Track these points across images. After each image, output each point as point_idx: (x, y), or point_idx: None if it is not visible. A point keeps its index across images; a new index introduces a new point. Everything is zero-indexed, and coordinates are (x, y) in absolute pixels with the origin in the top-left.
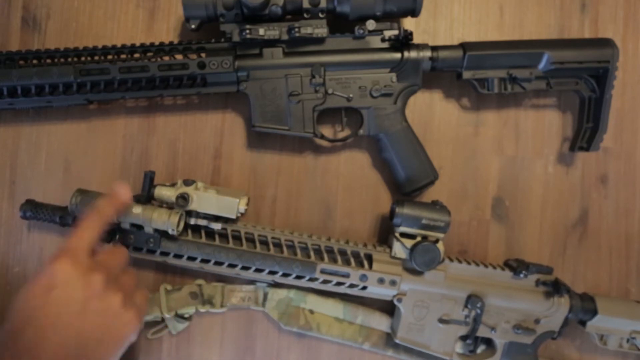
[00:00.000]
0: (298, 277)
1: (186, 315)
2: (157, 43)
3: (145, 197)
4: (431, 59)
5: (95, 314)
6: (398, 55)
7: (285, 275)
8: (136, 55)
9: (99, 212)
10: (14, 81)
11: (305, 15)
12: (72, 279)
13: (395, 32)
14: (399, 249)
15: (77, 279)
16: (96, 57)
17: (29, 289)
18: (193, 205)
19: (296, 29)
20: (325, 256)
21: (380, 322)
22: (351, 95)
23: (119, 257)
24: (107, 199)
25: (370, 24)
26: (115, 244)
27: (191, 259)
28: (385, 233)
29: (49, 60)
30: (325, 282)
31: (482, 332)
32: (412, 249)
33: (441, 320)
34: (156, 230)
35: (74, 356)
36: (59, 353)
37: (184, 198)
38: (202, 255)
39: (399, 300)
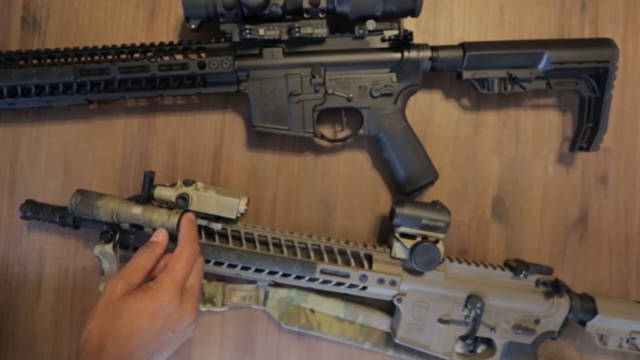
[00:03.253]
0: (298, 277)
1: None
2: (157, 43)
3: (145, 197)
4: (431, 59)
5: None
6: (398, 55)
7: (285, 275)
8: (136, 55)
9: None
10: (14, 81)
11: (305, 15)
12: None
13: (395, 32)
14: (399, 249)
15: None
16: (96, 57)
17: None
18: (193, 206)
19: (296, 29)
20: (325, 256)
21: (381, 321)
22: (351, 95)
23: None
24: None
25: (370, 24)
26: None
27: None
28: (385, 233)
29: (49, 60)
30: (325, 282)
31: (482, 332)
32: (412, 249)
33: (441, 321)
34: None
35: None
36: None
37: (183, 198)
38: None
39: (399, 300)
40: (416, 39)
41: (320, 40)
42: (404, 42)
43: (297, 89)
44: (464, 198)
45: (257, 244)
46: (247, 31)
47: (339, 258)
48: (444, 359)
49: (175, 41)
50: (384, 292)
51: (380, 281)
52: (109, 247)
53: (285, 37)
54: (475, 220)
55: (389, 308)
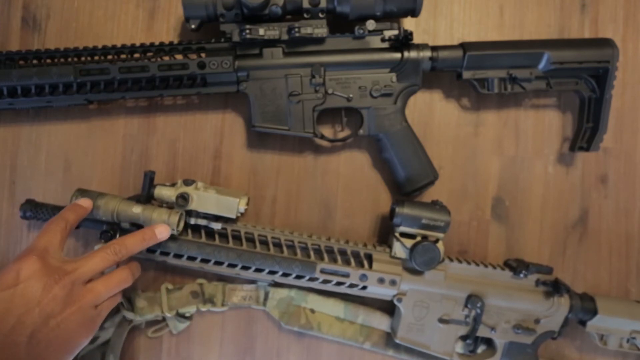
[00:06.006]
0: (298, 277)
1: (187, 315)
2: (157, 43)
3: (145, 197)
4: (431, 59)
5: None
6: (398, 55)
7: (285, 275)
8: (136, 55)
9: (62, 217)
10: (14, 81)
11: (305, 15)
12: (36, 276)
13: (395, 32)
14: (399, 248)
15: (41, 278)
16: (96, 57)
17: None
18: (193, 205)
19: (296, 29)
20: (325, 256)
21: (381, 321)
22: (351, 95)
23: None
24: (70, 206)
25: (370, 24)
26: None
27: (191, 258)
28: (385, 233)
29: (49, 60)
30: (325, 282)
31: (482, 332)
32: (412, 249)
33: (441, 320)
34: None
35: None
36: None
37: (184, 198)
38: (202, 255)
39: (399, 300)
40: (416, 39)
41: (320, 40)
42: (404, 42)
43: (297, 89)
44: (464, 198)
45: (257, 243)
46: (247, 31)
47: (339, 258)
48: (444, 359)
49: (175, 41)
50: (384, 292)
51: (381, 281)
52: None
53: (285, 37)
54: (475, 220)
55: (389, 308)
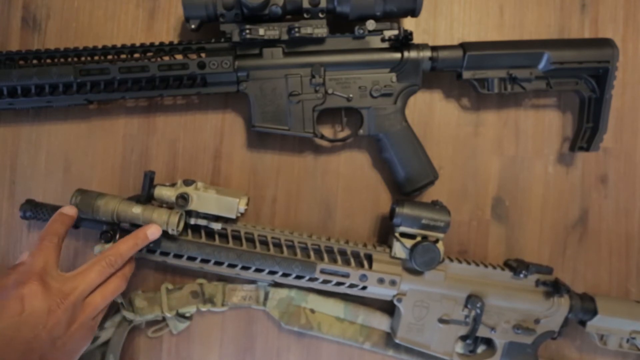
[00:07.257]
0: (298, 277)
1: (187, 315)
2: (157, 43)
3: (145, 197)
4: (431, 59)
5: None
6: (398, 55)
7: (285, 275)
8: (136, 55)
9: (53, 232)
10: (14, 81)
11: (305, 15)
12: (39, 302)
13: (395, 32)
14: (399, 249)
15: (45, 302)
16: (96, 57)
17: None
18: (193, 205)
19: (296, 29)
20: (325, 256)
21: (382, 321)
22: (351, 95)
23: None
24: (57, 217)
25: (370, 24)
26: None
27: (191, 259)
28: (385, 233)
29: (49, 60)
30: (325, 282)
31: (482, 332)
32: (412, 249)
33: (441, 320)
34: None
35: None
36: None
37: (184, 198)
38: (202, 255)
39: (399, 300)
40: (416, 39)
41: (320, 40)
42: (403, 42)
43: (297, 89)
44: (464, 198)
45: (257, 243)
46: (247, 31)
47: (338, 258)
48: (444, 359)
49: (175, 41)
50: (384, 292)
51: (380, 281)
52: (109, 247)
53: (285, 37)
54: (475, 220)
55: (389, 308)
